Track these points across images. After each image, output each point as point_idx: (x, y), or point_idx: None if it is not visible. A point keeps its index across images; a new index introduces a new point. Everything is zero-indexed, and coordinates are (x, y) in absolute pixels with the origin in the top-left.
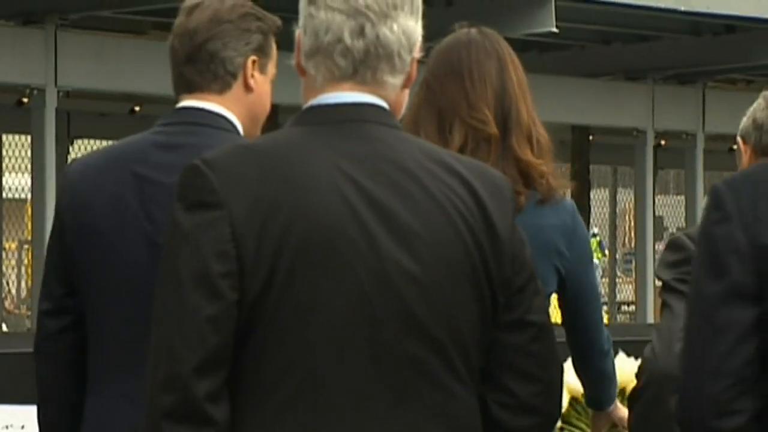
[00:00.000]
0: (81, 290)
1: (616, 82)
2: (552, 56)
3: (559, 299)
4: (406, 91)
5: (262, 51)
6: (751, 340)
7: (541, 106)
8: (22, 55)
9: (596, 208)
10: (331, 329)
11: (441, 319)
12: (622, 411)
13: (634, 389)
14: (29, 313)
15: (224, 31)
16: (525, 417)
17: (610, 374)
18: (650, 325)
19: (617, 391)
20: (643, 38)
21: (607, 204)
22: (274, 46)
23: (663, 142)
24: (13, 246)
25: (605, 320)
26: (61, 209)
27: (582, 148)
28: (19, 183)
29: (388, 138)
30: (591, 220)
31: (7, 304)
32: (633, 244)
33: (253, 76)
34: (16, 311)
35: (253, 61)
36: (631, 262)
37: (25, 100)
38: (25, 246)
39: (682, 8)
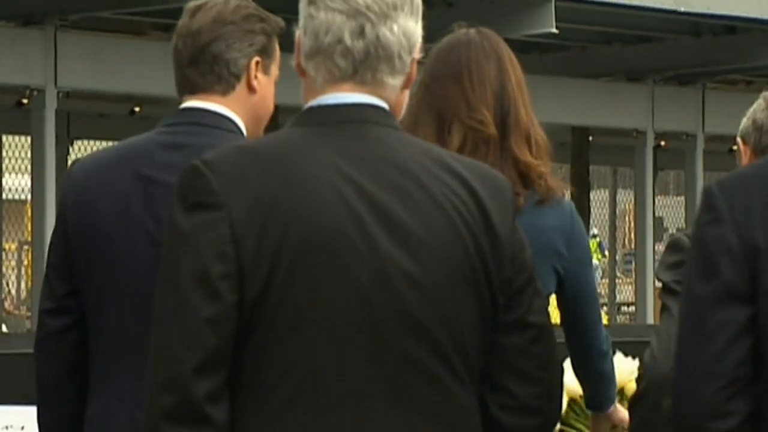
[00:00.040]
0: (82, 290)
1: (615, 83)
2: (552, 57)
3: (557, 300)
4: (406, 92)
5: (265, 52)
6: (744, 341)
7: (541, 107)
8: (22, 56)
9: (596, 209)
10: (331, 329)
11: (440, 319)
12: (622, 412)
13: (635, 394)
14: (29, 313)
15: (228, 32)
16: (525, 418)
17: (609, 375)
18: (650, 325)
19: (616, 392)
20: (643, 39)
21: (607, 205)
22: (277, 48)
23: (663, 143)
24: (13, 247)
25: (605, 321)
26: (65, 208)
27: (582, 149)
28: (18, 184)
29: (388, 139)
30: (591, 221)
31: (6, 304)
32: (633, 245)
33: (256, 77)
34: (16, 312)
35: (257, 63)
36: (631, 263)
37: (25, 100)
38: (25, 247)
39: (682, 9)
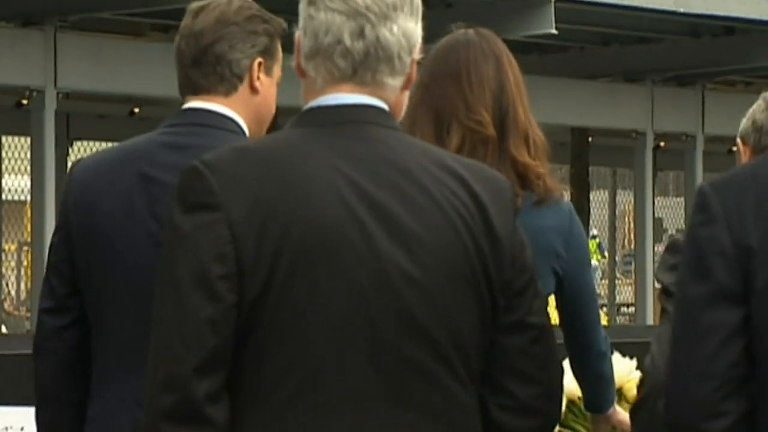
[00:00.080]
0: (83, 290)
1: (615, 84)
2: (551, 58)
3: (556, 300)
4: (406, 93)
5: (268, 53)
6: (737, 342)
7: (541, 108)
8: (22, 57)
9: (596, 210)
10: (331, 329)
11: (440, 321)
12: (622, 414)
13: (636, 401)
14: (29, 314)
15: (231, 33)
16: (525, 419)
17: (608, 376)
18: (650, 326)
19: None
20: (642, 40)
21: (607, 206)
22: (279, 49)
23: (662, 144)
24: (13, 248)
25: (604, 322)
26: (67, 209)
27: (581, 150)
28: (18, 185)
29: (388, 139)
30: (590, 222)
31: (6, 305)
32: (632, 246)
33: (259, 78)
34: (16, 313)
35: (259, 64)
36: (630, 263)
37: (25, 101)
38: (25, 248)
39: (681, 10)
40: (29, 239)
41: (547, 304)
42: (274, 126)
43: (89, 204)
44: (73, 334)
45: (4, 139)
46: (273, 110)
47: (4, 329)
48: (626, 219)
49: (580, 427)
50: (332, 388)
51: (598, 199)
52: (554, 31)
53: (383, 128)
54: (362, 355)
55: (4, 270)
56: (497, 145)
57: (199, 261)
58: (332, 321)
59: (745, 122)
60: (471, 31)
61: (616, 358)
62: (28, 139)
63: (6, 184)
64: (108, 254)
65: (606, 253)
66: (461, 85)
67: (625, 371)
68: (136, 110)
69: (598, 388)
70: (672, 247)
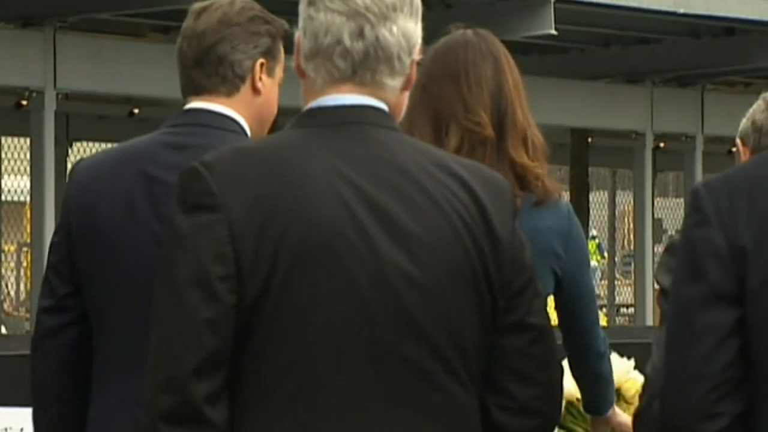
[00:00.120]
0: (83, 290)
1: (615, 85)
2: (551, 59)
3: (555, 301)
4: (406, 94)
5: (270, 54)
6: (732, 343)
7: (540, 109)
8: (21, 58)
9: (595, 211)
10: (331, 330)
11: (440, 321)
12: (621, 416)
13: (638, 408)
14: (28, 315)
15: (233, 34)
16: (525, 419)
17: (607, 377)
18: (649, 327)
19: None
20: (642, 41)
21: (606, 206)
22: (281, 49)
23: (662, 145)
24: (12, 248)
25: (604, 322)
26: (68, 210)
27: (581, 151)
28: (18, 185)
29: (387, 140)
30: (590, 223)
31: (5, 306)
32: (632, 247)
33: (261, 79)
34: (15, 313)
35: (261, 64)
36: (630, 264)
37: (24, 102)
38: (24, 248)
39: (681, 11)
40: (29, 240)
41: (546, 304)
42: (274, 127)
43: (90, 204)
44: (71, 333)
45: (3, 139)
46: (275, 111)
47: (3, 330)
48: (626, 220)
49: (579, 429)
50: (332, 388)
51: (597, 199)
52: (554, 32)
53: (383, 129)
54: (362, 356)
55: (3, 271)
56: (496, 146)
57: (198, 262)
58: (332, 321)
59: (744, 123)
60: (469, 32)
61: (614, 358)
62: (28, 140)
63: (5, 184)
64: (108, 254)
65: (605, 254)
66: (459, 86)
67: (624, 371)
68: (136, 111)
69: (597, 388)
70: (671, 248)
